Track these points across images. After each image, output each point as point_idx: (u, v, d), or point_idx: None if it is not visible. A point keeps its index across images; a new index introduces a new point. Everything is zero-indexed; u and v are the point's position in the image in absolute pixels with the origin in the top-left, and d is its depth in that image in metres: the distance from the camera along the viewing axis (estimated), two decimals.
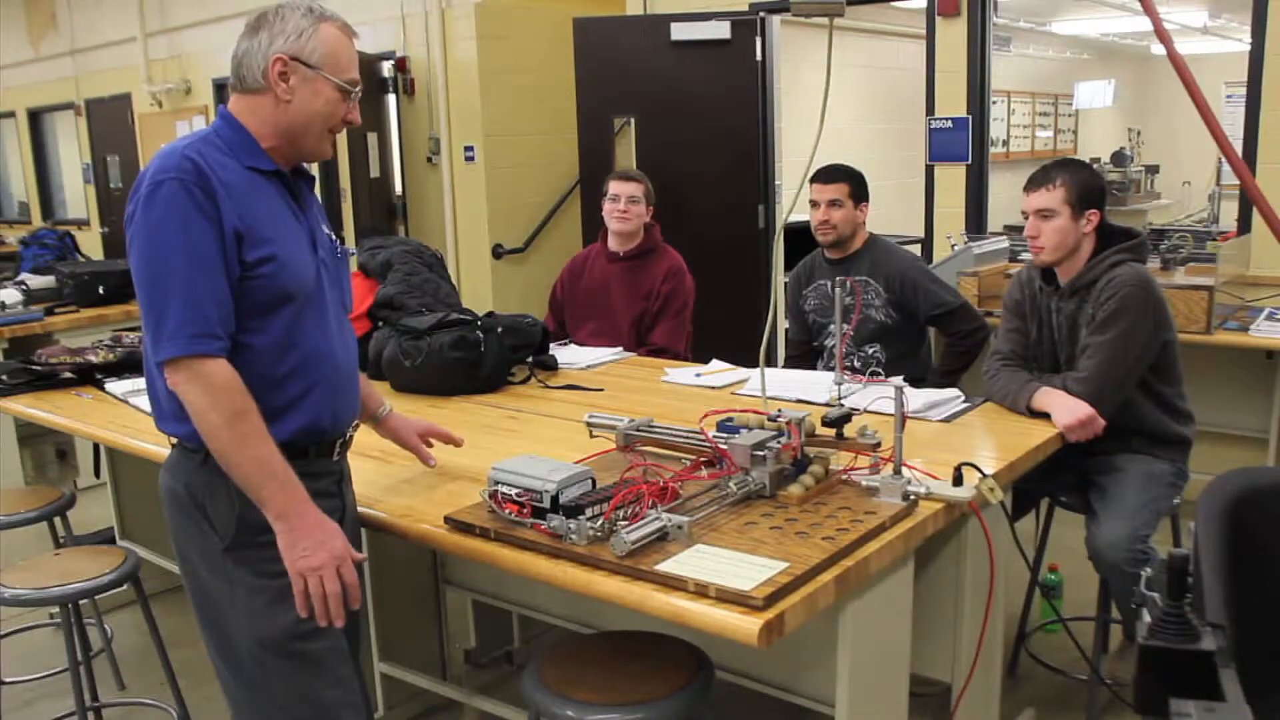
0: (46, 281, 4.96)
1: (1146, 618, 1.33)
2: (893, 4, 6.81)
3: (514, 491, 1.88)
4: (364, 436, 2.10)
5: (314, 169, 1.94)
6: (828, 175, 3.49)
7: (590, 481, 1.91)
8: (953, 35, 4.75)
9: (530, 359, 3.24)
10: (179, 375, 1.69)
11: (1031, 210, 2.72)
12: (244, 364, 1.74)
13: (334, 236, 1.97)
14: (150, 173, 1.71)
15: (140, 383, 3.16)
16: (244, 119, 1.81)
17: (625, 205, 3.73)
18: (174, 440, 1.86)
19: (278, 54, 1.77)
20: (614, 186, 3.76)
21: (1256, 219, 4.06)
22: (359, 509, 2.04)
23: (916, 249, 4.79)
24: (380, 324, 3.23)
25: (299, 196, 1.87)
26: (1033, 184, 2.73)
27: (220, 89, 7.73)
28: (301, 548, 1.72)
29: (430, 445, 2.26)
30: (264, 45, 1.78)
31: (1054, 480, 2.80)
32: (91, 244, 8.78)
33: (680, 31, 5.19)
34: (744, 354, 3.36)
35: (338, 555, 1.74)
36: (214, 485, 1.77)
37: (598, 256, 3.88)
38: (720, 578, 1.61)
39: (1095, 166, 9.09)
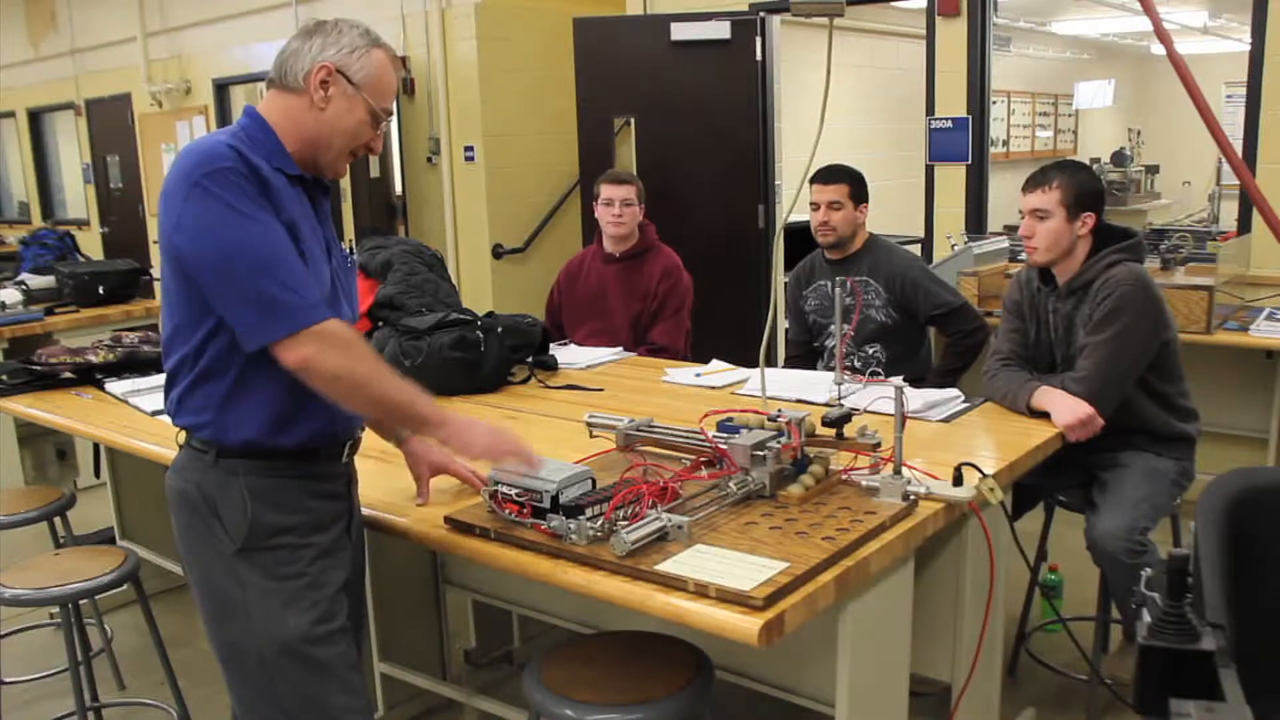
0: (46, 281, 4.96)
1: (1146, 618, 1.33)
2: (893, 4, 6.81)
3: (514, 491, 1.88)
4: (364, 437, 2.10)
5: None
6: (828, 176, 3.49)
7: (590, 481, 1.91)
8: (953, 35, 4.75)
9: (530, 359, 3.24)
10: (307, 348, 1.68)
11: (1027, 210, 2.72)
12: (274, 367, 1.74)
13: (344, 247, 1.98)
14: (195, 163, 1.69)
15: (140, 383, 3.19)
16: (272, 119, 1.80)
17: (620, 209, 3.72)
18: (181, 442, 1.86)
19: (325, 62, 1.78)
20: (606, 190, 3.75)
21: (1256, 219, 4.06)
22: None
23: (916, 249, 4.79)
24: (380, 324, 3.23)
25: (317, 204, 1.87)
26: (1030, 184, 2.73)
27: (220, 89, 7.72)
28: (469, 436, 1.86)
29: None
30: (314, 50, 1.79)
31: (1058, 477, 2.81)
32: (91, 244, 8.77)
33: (680, 31, 5.19)
34: (744, 354, 3.36)
35: (493, 427, 1.92)
36: (226, 486, 1.77)
37: (593, 258, 3.88)
38: (720, 578, 1.61)
39: (1095, 167, 9.18)
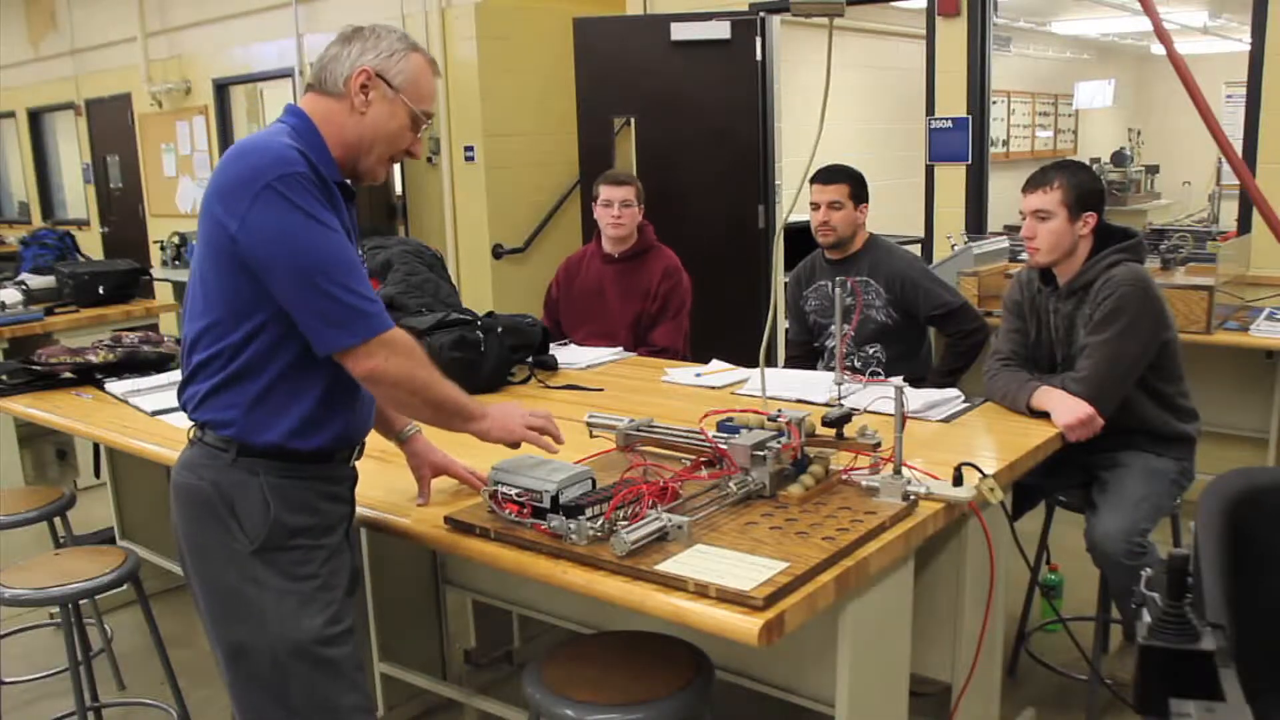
0: (46, 281, 4.96)
1: (1146, 618, 1.33)
2: (893, 4, 6.81)
3: (514, 491, 1.88)
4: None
5: None
6: (828, 176, 3.48)
7: (590, 481, 1.91)
8: (953, 35, 4.74)
9: (530, 359, 3.24)
10: (376, 356, 1.72)
11: (1028, 211, 2.72)
12: (320, 375, 1.77)
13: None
14: (267, 164, 1.68)
15: (140, 383, 3.19)
16: (316, 121, 1.81)
17: (619, 210, 3.71)
18: (192, 437, 1.85)
19: (364, 66, 1.80)
20: (605, 191, 3.74)
21: (1256, 219, 4.06)
22: (359, 509, 2.04)
23: (916, 249, 4.78)
24: None
25: (350, 210, 1.88)
26: (1031, 185, 2.73)
27: (220, 89, 7.72)
28: (507, 423, 1.96)
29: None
30: (354, 55, 1.80)
31: (1058, 477, 2.81)
32: (91, 244, 8.77)
33: (680, 31, 5.19)
34: (744, 354, 3.36)
35: (523, 411, 2.02)
36: (246, 485, 1.77)
37: (593, 257, 3.88)
38: (720, 578, 1.61)
39: (1095, 167, 9.19)
